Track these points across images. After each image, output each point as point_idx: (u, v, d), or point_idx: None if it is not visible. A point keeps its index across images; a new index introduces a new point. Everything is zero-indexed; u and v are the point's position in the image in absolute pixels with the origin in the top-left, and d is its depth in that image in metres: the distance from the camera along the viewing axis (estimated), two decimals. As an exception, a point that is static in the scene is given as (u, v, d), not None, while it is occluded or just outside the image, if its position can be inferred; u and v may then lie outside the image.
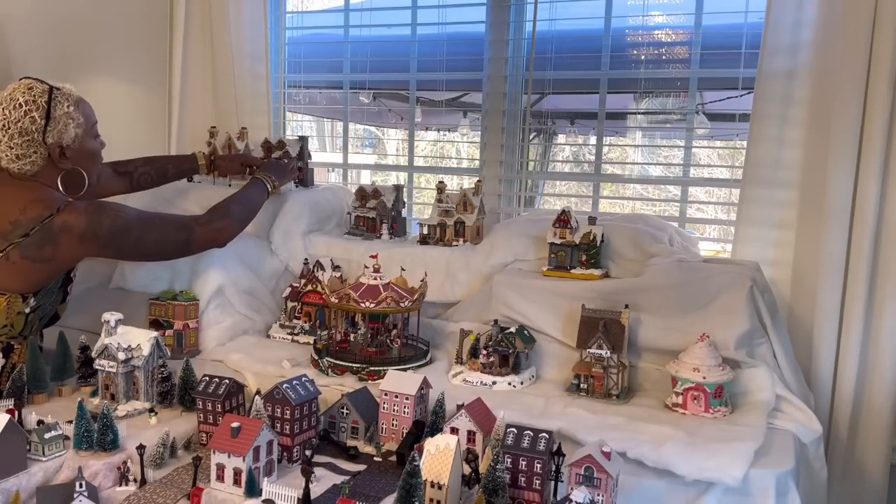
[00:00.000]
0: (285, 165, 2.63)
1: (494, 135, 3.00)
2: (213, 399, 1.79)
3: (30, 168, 2.01)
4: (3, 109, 1.96)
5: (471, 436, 1.70)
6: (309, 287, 2.49)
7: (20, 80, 2.01)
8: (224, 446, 1.54)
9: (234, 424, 1.55)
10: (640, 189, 3.92)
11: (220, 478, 1.55)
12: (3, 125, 1.96)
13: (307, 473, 1.53)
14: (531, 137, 3.12)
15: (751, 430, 1.76)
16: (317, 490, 1.56)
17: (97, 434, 1.69)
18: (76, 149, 2.05)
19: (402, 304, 2.13)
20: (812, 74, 2.28)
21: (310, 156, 2.91)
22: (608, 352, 2.00)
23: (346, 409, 1.85)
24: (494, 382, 2.06)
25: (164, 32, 3.14)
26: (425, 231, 2.61)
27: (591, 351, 2.02)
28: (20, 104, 1.96)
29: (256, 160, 2.72)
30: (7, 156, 1.98)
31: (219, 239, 2.25)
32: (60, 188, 2.05)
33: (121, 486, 1.64)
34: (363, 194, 2.71)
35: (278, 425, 1.70)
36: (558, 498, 1.50)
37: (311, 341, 2.33)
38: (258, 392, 1.85)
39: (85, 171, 2.09)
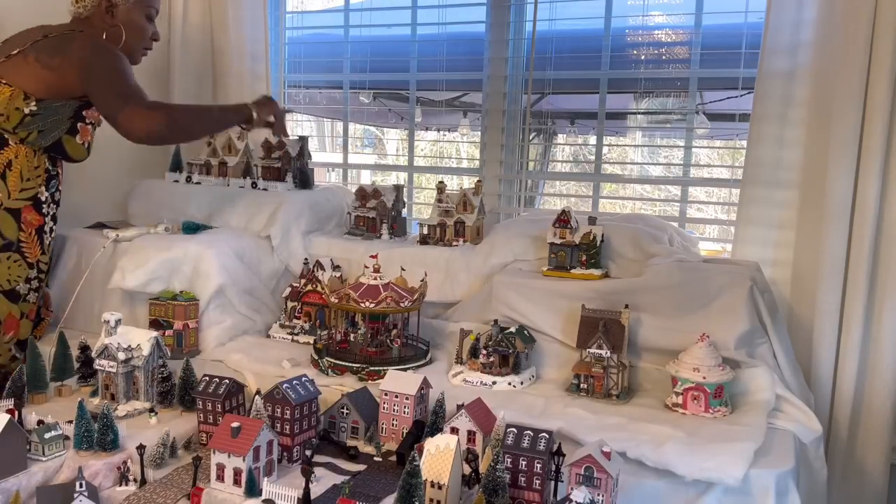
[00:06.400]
0: (278, 108, 2.48)
1: (494, 135, 3.00)
2: (213, 399, 1.79)
3: (82, 11, 2.29)
4: None
5: (471, 436, 1.70)
6: (309, 287, 2.49)
7: None
8: (224, 446, 1.54)
9: (234, 424, 1.55)
10: (640, 189, 3.92)
11: (220, 478, 1.55)
12: None
13: (307, 473, 1.53)
14: (531, 137, 3.12)
15: (751, 430, 1.76)
16: (317, 490, 1.56)
17: (97, 434, 1.69)
18: (124, 13, 2.30)
19: (402, 304, 2.13)
20: (812, 74, 2.28)
21: (310, 156, 2.91)
22: (608, 352, 2.00)
23: (346, 409, 1.85)
24: (494, 382, 2.06)
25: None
26: (425, 231, 2.61)
27: (591, 351, 2.02)
28: None
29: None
30: None
31: (133, 129, 2.14)
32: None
33: (121, 486, 1.64)
34: (363, 194, 2.71)
35: (278, 425, 1.70)
36: (558, 498, 1.50)
37: (311, 341, 2.33)
38: (258, 392, 1.86)
39: (127, 40, 2.32)
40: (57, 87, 2.19)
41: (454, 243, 2.55)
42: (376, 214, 2.68)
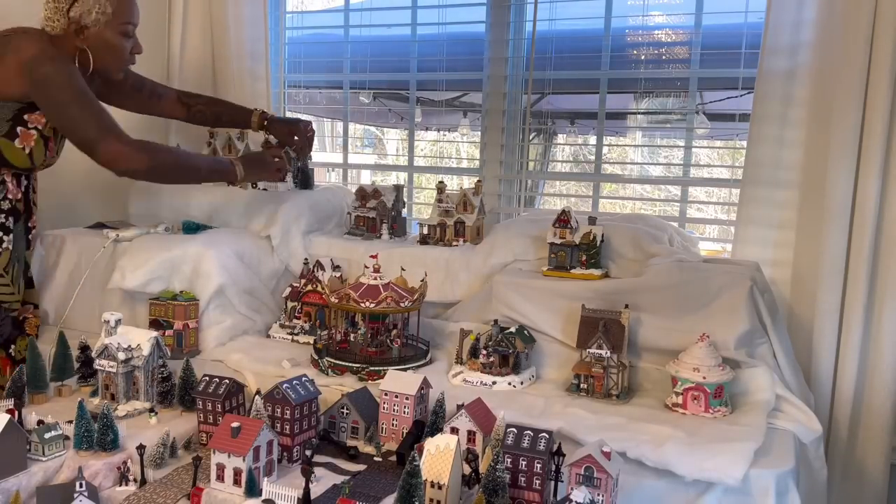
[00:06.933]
0: (269, 163, 2.42)
1: (494, 135, 3.00)
2: (213, 399, 1.79)
3: (50, 30, 2.15)
4: None
5: (471, 436, 1.70)
6: (309, 287, 2.49)
7: None
8: (224, 446, 1.54)
9: (234, 424, 1.55)
10: (640, 189, 3.92)
11: (220, 478, 1.55)
12: None
13: (307, 473, 1.53)
14: (531, 137, 3.12)
15: (751, 430, 1.76)
16: (317, 490, 1.56)
17: (97, 434, 1.69)
18: (94, 34, 2.16)
19: (402, 304, 2.13)
20: (812, 74, 2.28)
21: (310, 156, 2.91)
22: (608, 352, 2.00)
23: (346, 409, 1.85)
24: (494, 382, 2.06)
25: (163, 32, 3.13)
26: (425, 231, 2.61)
27: (591, 351, 2.02)
28: None
29: (301, 130, 2.61)
30: (43, 13, 2.16)
31: (116, 163, 2.11)
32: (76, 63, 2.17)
33: (121, 486, 1.64)
34: (363, 194, 2.71)
35: (278, 425, 1.70)
36: (558, 498, 1.50)
37: (311, 341, 2.33)
38: (258, 392, 1.86)
39: (100, 60, 2.20)
40: None
41: (454, 243, 2.55)
42: (376, 214, 2.68)
